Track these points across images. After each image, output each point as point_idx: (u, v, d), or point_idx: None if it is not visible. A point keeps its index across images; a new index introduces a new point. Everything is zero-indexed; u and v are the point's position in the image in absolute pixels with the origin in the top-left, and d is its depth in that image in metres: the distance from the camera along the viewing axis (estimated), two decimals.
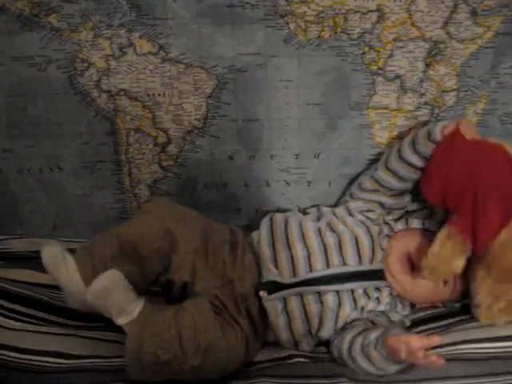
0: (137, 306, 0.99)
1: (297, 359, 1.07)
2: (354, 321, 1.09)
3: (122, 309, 0.97)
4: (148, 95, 1.18)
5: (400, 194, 1.17)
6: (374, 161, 1.23)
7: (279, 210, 1.24)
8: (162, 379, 0.99)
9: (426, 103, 1.20)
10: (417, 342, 0.88)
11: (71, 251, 1.19)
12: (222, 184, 1.28)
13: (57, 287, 1.16)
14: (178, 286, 1.09)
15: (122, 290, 0.98)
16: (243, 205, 1.30)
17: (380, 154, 1.23)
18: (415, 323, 1.15)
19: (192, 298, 1.07)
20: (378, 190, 1.17)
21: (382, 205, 1.18)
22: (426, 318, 1.17)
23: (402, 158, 1.13)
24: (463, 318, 1.14)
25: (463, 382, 1.00)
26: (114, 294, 0.97)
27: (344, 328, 1.08)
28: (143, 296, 1.02)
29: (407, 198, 1.19)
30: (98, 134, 1.22)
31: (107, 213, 1.31)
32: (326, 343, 1.10)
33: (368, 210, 1.18)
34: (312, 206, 1.26)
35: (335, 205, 1.27)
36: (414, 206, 1.22)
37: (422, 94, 1.19)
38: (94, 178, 1.27)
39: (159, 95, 1.18)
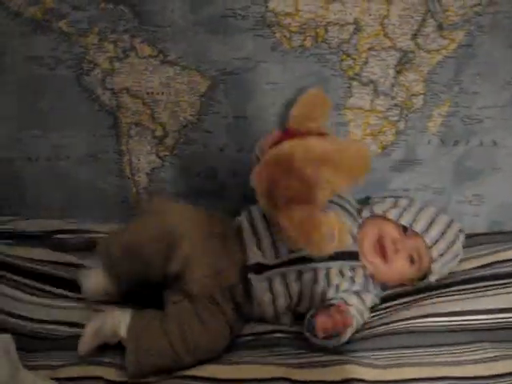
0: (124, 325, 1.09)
1: (278, 334, 1.18)
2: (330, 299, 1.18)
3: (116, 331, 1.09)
4: (148, 93, 1.28)
5: None
6: None
7: None
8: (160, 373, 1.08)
9: (396, 105, 1.30)
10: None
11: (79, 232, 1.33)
12: (212, 173, 1.37)
13: (66, 264, 1.29)
14: (171, 277, 1.15)
15: (107, 324, 1.09)
16: (231, 192, 1.39)
17: None
18: (384, 299, 1.26)
19: (178, 289, 1.15)
20: None
21: None
22: (394, 295, 1.28)
23: None
24: (429, 294, 1.25)
25: (424, 350, 1.11)
26: (103, 331, 1.09)
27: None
28: (128, 310, 1.12)
29: None
30: (101, 127, 1.32)
31: (110, 197, 1.39)
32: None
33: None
34: None
35: None
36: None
37: (393, 97, 1.29)
38: (97, 166, 1.35)
39: (158, 93, 1.28)
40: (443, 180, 1.42)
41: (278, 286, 1.18)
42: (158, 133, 1.33)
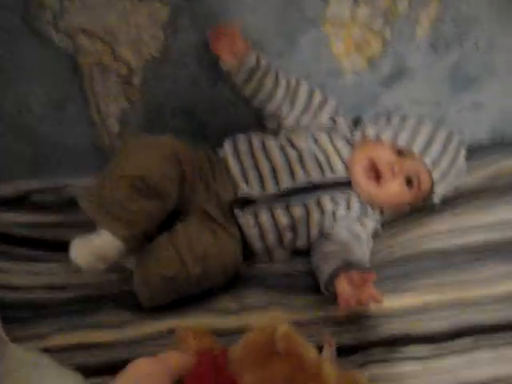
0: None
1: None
2: (329, 234, 1.14)
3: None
4: (105, 30, 1.17)
5: None
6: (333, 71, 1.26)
7: (246, 131, 1.25)
8: (171, 297, 1.05)
9: (379, 12, 1.20)
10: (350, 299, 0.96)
11: (57, 190, 1.26)
12: (188, 111, 1.29)
13: (43, 225, 1.22)
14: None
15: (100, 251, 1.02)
16: (211, 130, 1.31)
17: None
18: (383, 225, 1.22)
19: (182, 219, 1.11)
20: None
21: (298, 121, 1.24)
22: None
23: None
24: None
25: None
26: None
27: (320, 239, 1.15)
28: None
29: None
30: (61, 74, 1.22)
31: (81, 148, 1.31)
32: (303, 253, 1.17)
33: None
34: None
35: None
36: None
37: (375, 4, 1.18)
38: (64, 117, 1.27)
39: (116, 29, 1.17)
40: (438, 89, 1.33)
41: (265, 220, 1.13)
42: (123, 71, 1.24)
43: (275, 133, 1.24)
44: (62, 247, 1.08)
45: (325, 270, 1.05)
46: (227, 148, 1.19)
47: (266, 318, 0.99)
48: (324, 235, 1.16)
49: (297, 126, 1.23)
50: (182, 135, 1.27)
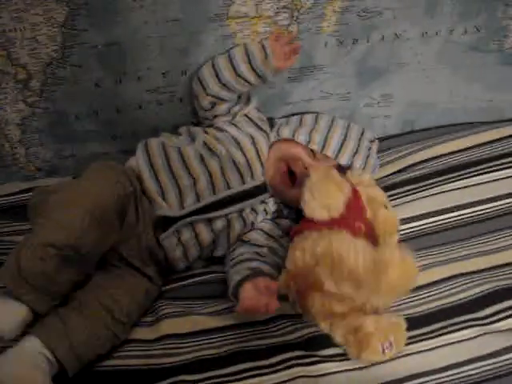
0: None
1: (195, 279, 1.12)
2: (246, 239, 1.13)
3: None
4: None
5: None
6: None
7: (156, 131, 1.23)
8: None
9: (284, 7, 1.18)
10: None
11: None
12: (92, 113, 1.24)
13: None
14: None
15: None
16: (119, 131, 1.27)
17: None
18: None
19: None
20: (216, 103, 1.20)
21: (228, 111, 1.20)
22: None
23: (238, 75, 1.16)
24: None
25: None
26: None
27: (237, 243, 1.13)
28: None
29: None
30: None
31: None
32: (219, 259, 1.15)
33: (232, 117, 1.21)
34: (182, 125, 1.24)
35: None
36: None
37: None
38: None
39: (10, 31, 1.12)
40: (347, 84, 1.33)
41: (187, 238, 1.09)
42: (20, 76, 1.18)
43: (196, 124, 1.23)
44: None
45: (233, 277, 1.03)
46: (142, 165, 1.11)
47: None
48: (240, 240, 1.14)
49: (227, 114, 1.20)
50: (89, 137, 1.27)
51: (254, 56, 1.15)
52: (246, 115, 1.21)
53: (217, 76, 1.17)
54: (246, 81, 1.17)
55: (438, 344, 0.94)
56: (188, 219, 1.08)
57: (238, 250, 1.11)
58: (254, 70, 1.16)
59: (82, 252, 0.91)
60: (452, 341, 0.94)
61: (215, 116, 1.21)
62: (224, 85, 1.17)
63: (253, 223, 1.14)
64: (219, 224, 1.10)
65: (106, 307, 0.95)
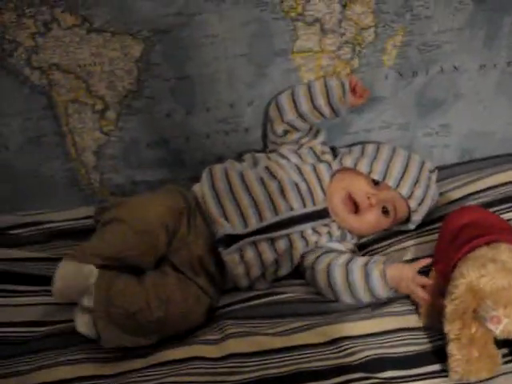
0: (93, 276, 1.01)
1: (261, 300, 1.13)
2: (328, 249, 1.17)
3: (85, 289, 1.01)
4: (79, 66, 1.19)
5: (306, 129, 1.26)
6: None
7: (221, 159, 1.29)
8: (127, 339, 1.02)
9: (346, 42, 1.23)
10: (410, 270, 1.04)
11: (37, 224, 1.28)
12: (163, 142, 1.30)
13: (24, 259, 1.21)
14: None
15: (76, 277, 1.00)
16: (187, 159, 1.33)
17: None
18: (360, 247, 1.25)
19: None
20: (288, 131, 1.26)
21: (297, 141, 1.26)
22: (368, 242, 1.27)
23: (315, 107, 1.22)
24: (400, 237, 1.25)
25: None
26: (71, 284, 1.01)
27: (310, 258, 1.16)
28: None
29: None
30: (36, 110, 1.23)
31: (58, 183, 1.32)
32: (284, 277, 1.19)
33: (298, 148, 1.26)
34: (246, 152, 1.30)
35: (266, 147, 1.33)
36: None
37: (342, 34, 1.22)
38: (40, 152, 1.28)
39: (90, 65, 1.19)
40: (406, 114, 1.36)
41: (250, 256, 1.13)
42: (98, 107, 1.25)
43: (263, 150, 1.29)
44: (44, 281, 1.08)
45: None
46: (205, 189, 1.17)
47: None
48: (323, 252, 1.17)
49: (295, 143, 1.26)
50: (158, 164, 1.33)
51: (333, 91, 1.21)
52: (310, 147, 1.26)
53: (295, 105, 1.23)
54: (320, 113, 1.23)
55: None
56: (251, 238, 1.13)
57: (327, 256, 1.15)
58: (330, 104, 1.22)
59: (129, 262, 1.04)
60: None
61: (283, 143, 1.26)
62: (300, 115, 1.23)
63: (316, 243, 1.17)
64: (282, 244, 1.14)
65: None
